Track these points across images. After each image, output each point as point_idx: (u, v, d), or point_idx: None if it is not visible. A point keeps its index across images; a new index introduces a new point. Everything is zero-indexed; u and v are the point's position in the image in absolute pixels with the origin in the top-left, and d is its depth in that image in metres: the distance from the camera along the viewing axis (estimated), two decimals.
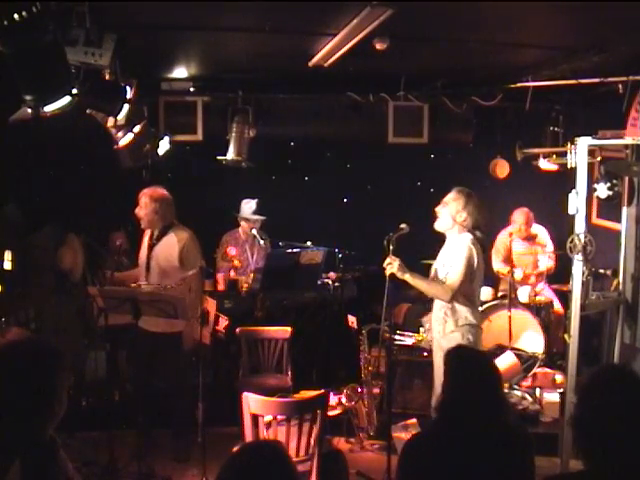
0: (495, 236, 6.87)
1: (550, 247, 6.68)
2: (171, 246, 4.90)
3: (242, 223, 6.45)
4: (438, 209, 4.45)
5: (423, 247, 4.91)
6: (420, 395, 5.39)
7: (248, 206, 6.39)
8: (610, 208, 5.29)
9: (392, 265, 4.25)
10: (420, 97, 6.16)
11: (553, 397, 5.53)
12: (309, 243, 6.23)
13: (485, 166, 6.80)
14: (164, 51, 5.00)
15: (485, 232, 4.53)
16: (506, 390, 5.55)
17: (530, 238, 6.72)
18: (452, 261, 4.32)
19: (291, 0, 3.59)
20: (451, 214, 4.38)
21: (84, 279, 5.67)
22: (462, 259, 4.26)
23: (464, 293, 4.31)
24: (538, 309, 6.32)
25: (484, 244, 4.49)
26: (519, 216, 6.61)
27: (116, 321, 4.56)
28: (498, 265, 6.73)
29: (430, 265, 4.59)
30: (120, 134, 4.75)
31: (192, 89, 6.09)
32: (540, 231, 6.76)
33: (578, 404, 2.11)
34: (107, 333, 4.90)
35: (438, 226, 4.46)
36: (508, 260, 6.45)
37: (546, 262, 6.64)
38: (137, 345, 4.91)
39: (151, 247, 4.98)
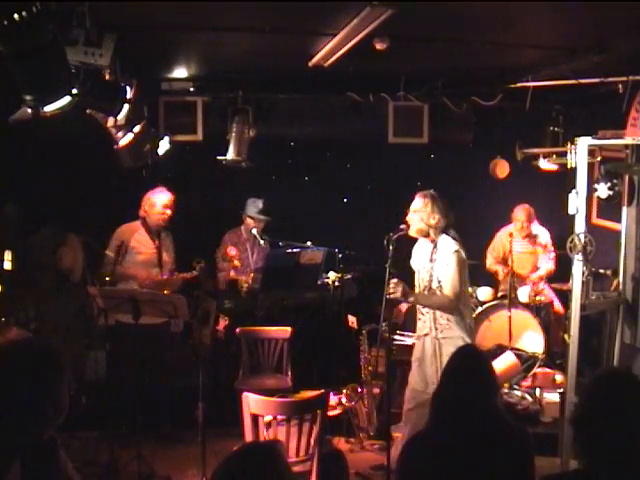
0: (494, 234, 6.88)
1: (551, 249, 6.66)
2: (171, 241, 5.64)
3: (247, 220, 6.40)
4: (409, 217, 4.44)
5: None
6: None
7: (255, 204, 6.38)
8: (610, 208, 5.28)
9: (396, 291, 4.24)
10: (420, 97, 6.14)
11: (553, 397, 5.52)
12: (309, 243, 6.21)
13: (485, 166, 6.78)
14: (164, 51, 4.99)
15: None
16: (506, 390, 5.56)
17: (530, 237, 6.69)
18: (443, 270, 4.33)
19: (291, 0, 3.59)
20: (423, 219, 4.39)
21: (84, 279, 5.67)
22: (454, 267, 4.29)
23: (461, 298, 4.36)
24: (538, 309, 6.31)
25: (461, 241, 4.46)
26: (521, 213, 6.59)
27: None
28: (491, 263, 6.74)
29: None
30: (120, 134, 4.76)
31: (192, 89, 6.08)
32: (541, 232, 6.73)
33: (580, 404, 2.13)
34: (107, 333, 4.90)
35: (413, 232, 4.45)
36: (505, 261, 6.44)
37: (546, 265, 6.63)
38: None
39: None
